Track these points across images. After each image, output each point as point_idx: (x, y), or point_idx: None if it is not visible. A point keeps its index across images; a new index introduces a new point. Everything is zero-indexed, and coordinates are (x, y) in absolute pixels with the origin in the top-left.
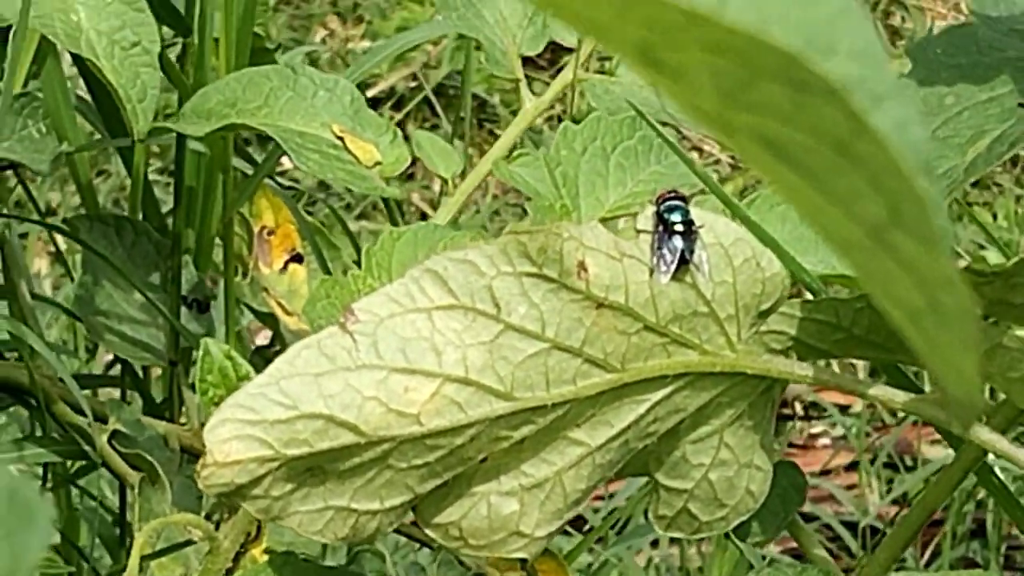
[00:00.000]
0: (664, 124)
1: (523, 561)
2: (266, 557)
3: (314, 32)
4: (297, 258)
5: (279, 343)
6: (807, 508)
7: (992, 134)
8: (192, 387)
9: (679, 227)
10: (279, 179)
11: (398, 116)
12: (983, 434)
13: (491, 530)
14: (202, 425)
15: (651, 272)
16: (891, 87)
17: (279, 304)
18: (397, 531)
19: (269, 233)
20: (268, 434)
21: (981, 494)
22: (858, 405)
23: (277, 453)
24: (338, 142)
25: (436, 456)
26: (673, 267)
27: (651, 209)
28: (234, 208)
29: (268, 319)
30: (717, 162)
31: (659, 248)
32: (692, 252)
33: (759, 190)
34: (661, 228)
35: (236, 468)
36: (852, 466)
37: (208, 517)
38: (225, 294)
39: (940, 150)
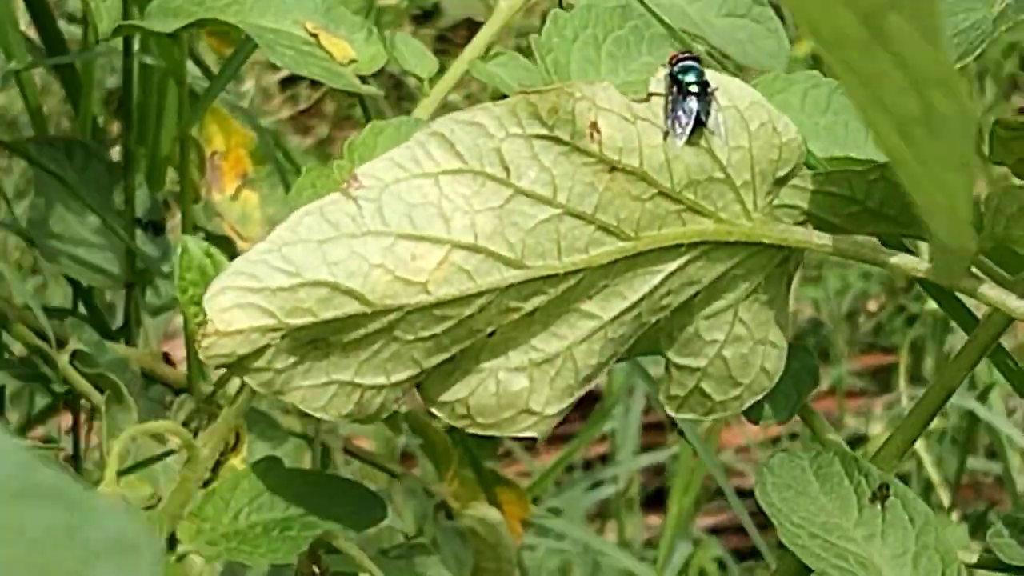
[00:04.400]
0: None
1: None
2: (245, 467)
3: None
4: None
5: None
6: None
7: None
8: (149, 311)
9: (694, 88)
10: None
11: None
12: (1012, 302)
13: (499, 408)
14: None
15: (665, 135)
16: None
17: (233, 229)
18: (359, 459)
19: (221, 158)
20: (271, 302)
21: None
22: None
23: (280, 322)
24: (311, 39)
25: (444, 328)
26: (688, 130)
27: (664, 71)
28: (189, 125)
29: (223, 243)
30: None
31: (673, 110)
32: (707, 115)
33: (757, 77)
34: (675, 90)
35: (238, 338)
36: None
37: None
38: (182, 213)
39: (968, 2)
